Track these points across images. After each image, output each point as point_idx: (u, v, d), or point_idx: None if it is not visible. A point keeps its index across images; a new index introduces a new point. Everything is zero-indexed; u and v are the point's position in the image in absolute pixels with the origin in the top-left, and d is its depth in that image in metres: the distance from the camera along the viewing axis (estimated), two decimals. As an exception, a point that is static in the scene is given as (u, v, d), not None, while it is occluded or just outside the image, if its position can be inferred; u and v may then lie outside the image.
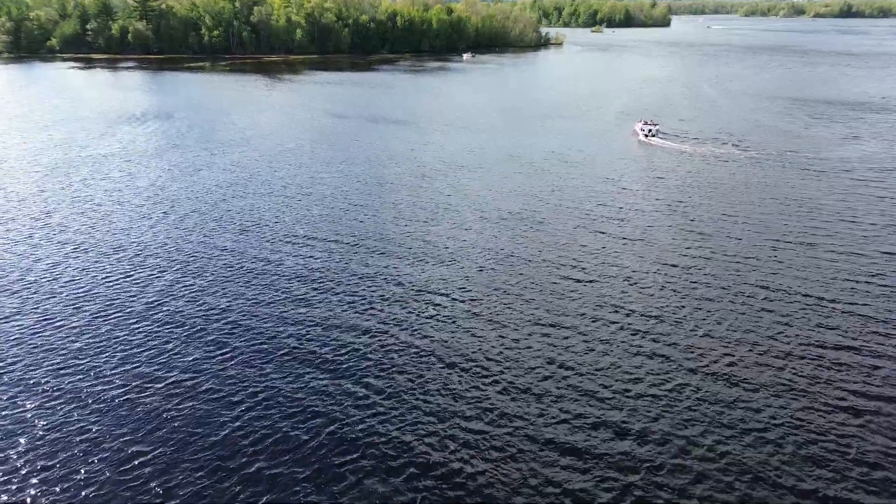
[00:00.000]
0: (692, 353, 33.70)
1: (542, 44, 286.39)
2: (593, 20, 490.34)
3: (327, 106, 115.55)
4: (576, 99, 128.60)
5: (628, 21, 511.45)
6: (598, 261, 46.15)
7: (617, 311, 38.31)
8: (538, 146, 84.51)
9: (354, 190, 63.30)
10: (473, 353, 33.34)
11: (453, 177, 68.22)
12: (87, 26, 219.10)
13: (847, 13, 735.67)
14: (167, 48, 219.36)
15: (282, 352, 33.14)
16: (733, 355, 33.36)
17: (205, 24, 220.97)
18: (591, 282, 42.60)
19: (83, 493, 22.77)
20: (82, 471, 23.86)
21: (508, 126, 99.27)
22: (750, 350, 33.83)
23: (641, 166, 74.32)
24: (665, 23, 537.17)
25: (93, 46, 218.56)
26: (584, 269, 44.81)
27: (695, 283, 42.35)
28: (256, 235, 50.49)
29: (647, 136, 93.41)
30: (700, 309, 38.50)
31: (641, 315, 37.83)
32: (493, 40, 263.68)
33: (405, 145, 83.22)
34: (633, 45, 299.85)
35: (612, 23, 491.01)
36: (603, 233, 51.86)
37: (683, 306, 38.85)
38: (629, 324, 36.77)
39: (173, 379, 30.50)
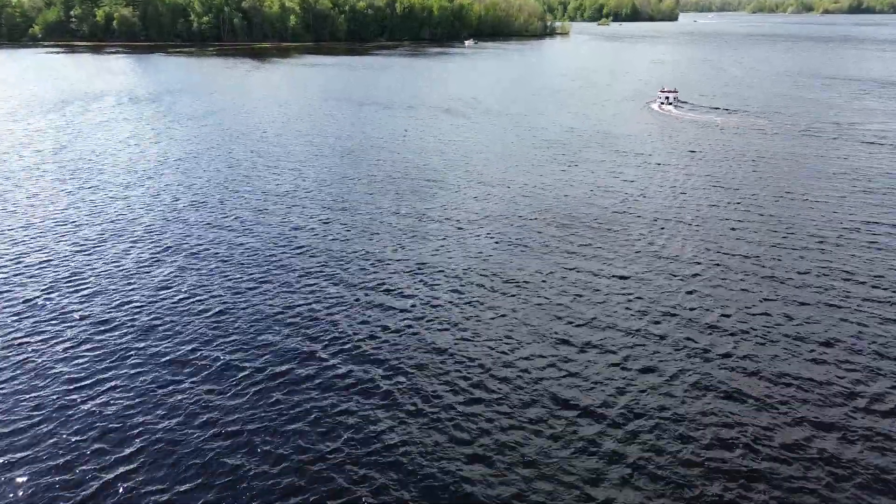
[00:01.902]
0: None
1: (547, 33, 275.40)
2: (599, 14, 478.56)
3: (316, 89, 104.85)
4: (588, 81, 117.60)
5: (635, 15, 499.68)
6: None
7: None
8: (552, 122, 73.75)
9: (365, 173, 52.52)
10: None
11: (465, 158, 57.53)
12: (71, 13, 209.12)
13: (857, 9, 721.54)
14: (154, 35, 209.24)
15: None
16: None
17: (194, 10, 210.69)
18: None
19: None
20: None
21: (519, 105, 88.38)
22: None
23: (663, 137, 63.23)
24: (673, 17, 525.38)
25: (76, 34, 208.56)
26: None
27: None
28: (246, 228, 39.71)
29: (665, 103, 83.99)
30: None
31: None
32: (496, 28, 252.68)
33: (408, 127, 72.44)
34: (643, 35, 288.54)
35: (618, 17, 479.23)
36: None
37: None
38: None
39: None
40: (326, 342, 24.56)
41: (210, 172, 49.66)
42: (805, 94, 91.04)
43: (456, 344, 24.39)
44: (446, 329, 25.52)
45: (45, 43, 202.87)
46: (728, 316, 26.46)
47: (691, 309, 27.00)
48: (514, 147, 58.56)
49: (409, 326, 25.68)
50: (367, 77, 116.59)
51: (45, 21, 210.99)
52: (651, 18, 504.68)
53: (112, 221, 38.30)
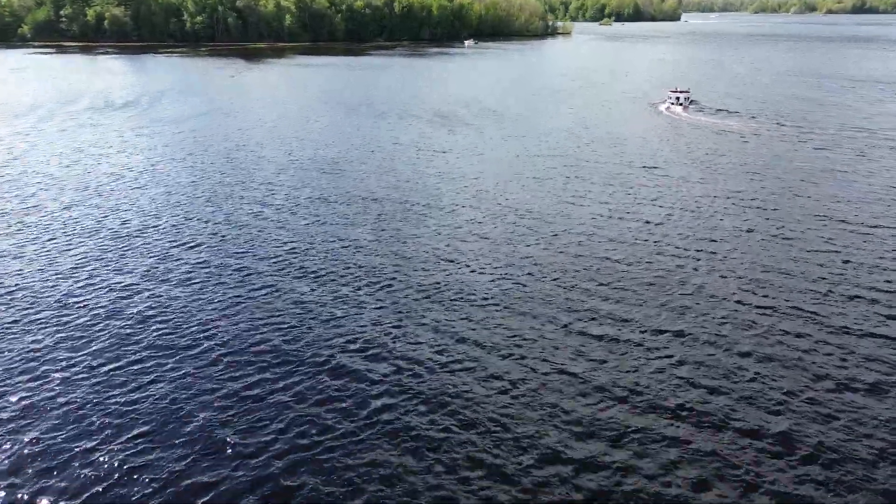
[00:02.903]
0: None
1: (548, 33, 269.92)
2: (601, 14, 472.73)
3: (305, 92, 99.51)
4: (592, 82, 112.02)
5: (637, 15, 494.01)
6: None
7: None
8: (556, 129, 68.29)
9: (368, 174, 47.20)
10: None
11: (460, 172, 52.17)
12: (61, 12, 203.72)
13: (860, 9, 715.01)
14: (146, 35, 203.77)
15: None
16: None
17: (187, 9, 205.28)
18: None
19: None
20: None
21: (520, 110, 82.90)
22: None
23: (679, 146, 57.71)
24: (675, 17, 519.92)
25: (66, 34, 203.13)
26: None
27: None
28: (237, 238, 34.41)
29: (675, 104, 79.09)
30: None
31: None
32: (497, 28, 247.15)
33: (400, 135, 67.12)
34: (646, 35, 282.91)
35: (620, 17, 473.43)
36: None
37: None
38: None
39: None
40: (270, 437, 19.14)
41: (167, 190, 44.26)
42: (826, 97, 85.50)
43: (440, 431, 18.96)
44: (426, 409, 20.08)
45: (35, 43, 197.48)
46: (806, 396, 21.02)
47: (747, 379, 21.55)
48: (514, 158, 53.10)
49: (382, 410, 20.16)
50: (362, 79, 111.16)
51: (35, 20, 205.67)
52: (653, 18, 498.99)
53: (72, 234, 32.93)
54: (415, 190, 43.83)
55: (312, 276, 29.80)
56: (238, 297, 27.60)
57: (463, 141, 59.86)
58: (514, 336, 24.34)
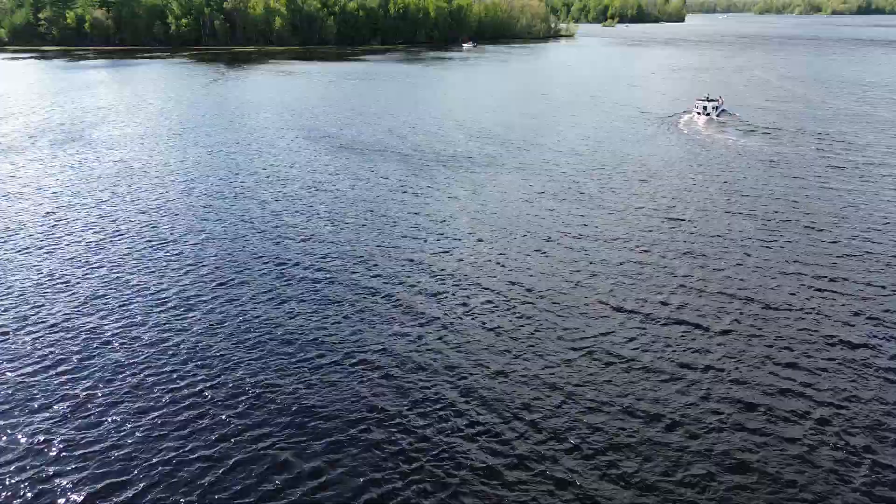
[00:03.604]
0: None
1: (551, 35, 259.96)
2: (604, 15, 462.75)
3: (274, 110, 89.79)
4: (604, 91, 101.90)
5: (641, 16, 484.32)
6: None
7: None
8: (567, 153, 58.30)
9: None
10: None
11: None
12: (40, 15, 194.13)
13: (866, 10, 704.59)
14: (130, 38, 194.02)
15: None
16: None
17: (172, 11, 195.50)
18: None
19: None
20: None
21: (524, 129, 72.91)
22: None
23: (718, 181, 47.65)
24: (679, 18, 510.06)
25: (46, 37, 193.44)
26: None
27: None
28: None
29: (702, 114, 70.29)
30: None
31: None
32: (497, 31, 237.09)
33: (379, 174, 57.35)
34: (653, 37, 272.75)
35: (624, 18, 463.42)
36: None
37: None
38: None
39: None
40: None
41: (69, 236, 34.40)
42: (877, 113, 75.15)
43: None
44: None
45: (11, 48, 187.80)
46: None
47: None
48: (517, 197, 43.14)
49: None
50: (345, 90, 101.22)
51: (12, 24, 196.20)
52: (657, 20, 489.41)
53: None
54: (390, 269, 33.87)
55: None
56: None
57: (454, 182, 49.84)
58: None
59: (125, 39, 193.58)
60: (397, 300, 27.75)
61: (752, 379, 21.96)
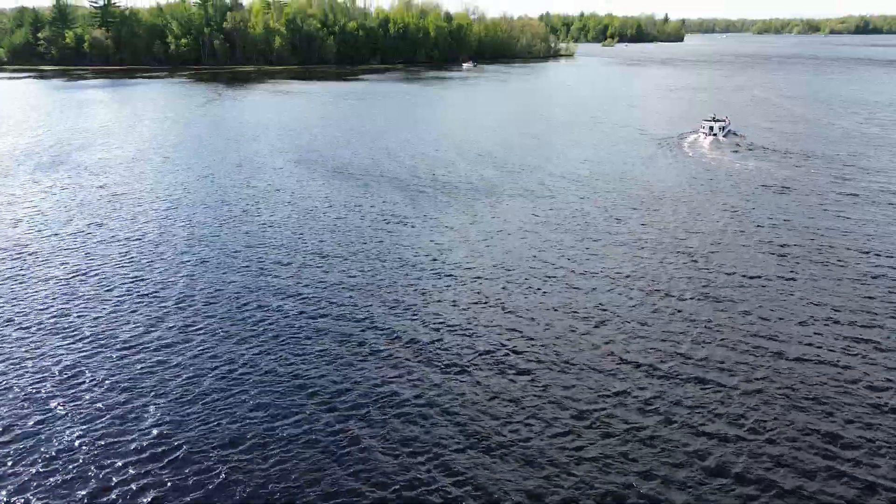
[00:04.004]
0: None
1: (551, 55, 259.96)
2: (603, 35, 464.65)
3: (266, 132, 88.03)
4: (605, 111, 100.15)
5: (640, 36, 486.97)
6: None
7: None
8: (570, 179, 56.14)
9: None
10: None
11: (454, 244, 40.05)
12: (39, 34, 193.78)
13: (864, 29, 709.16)
14: (129, 58, 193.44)
15: None
16: None
17: (172, 31, 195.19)
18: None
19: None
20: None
21: (525, 151, 70.95)
22: None
23: (710, 182, 45.36)
24: (679, 37, 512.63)
25: (45, 57, 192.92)
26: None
27: None
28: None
29: (708, 134, 68.88)
30: None
31: None
32: (497, 50, 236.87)
33: (369, 203, 55.26)
34: (653, 56, 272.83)
35: (623, 37, 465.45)
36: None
37: None
38: None
39: None
40: None
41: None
42: (889, 135, 73.14)
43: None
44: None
45: (9, 67, 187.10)
46: None
47: None
48: (518, 228, 40.83)
49: None
50: (342, 111, 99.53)
51: (12, 44, 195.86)
52: (656, 39, 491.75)
53: None
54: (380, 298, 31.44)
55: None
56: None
57: (451, 210, 47.57)
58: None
59: (124, 59, 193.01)
60: (384, 349, 25.29)
61: (789, 457, 19.37)
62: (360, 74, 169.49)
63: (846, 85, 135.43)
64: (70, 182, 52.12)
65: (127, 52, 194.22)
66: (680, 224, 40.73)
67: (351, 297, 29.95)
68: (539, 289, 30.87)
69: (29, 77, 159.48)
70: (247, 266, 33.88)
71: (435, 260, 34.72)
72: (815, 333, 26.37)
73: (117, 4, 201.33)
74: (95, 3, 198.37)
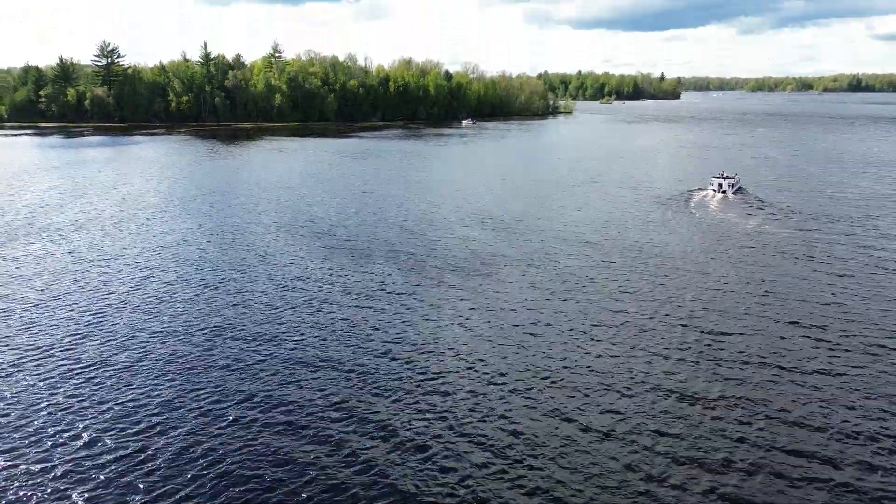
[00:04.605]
0: None
1: (550, 112, 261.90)
2: (601, 93, 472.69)
3: (252, 195, 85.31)
4: (609, 170, 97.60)
5: (637, 94, 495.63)
6: None
7: None
8: (577, 226, 52.44)
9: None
10: None
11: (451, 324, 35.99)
12: (41, 92, 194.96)
13: (857, 87, 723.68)
14: (129, 115, 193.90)
15: None
16: None
17: (173, 89, 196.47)
18: None
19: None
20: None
21: (527, 215, 67.70)
22: None
23: (725, 247, 41.41)
24: (675, 95, 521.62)
25: (45, 114, 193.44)
26: None
27: None
28: None
29: (717, 191, 66.34)
30: None
31: None
32: (496, 108, 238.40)
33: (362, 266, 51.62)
34: (652, 114, 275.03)
35: (620, 95, 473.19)
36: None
37: None
38: None
39: None
40: None
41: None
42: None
43: None
44: None
45: (10, 125, 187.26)
46: None
47: None
48: (520, 302, 36.78)
49: None
50: (338, 169, 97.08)
51: (13, 101, 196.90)
52: (653, 96, 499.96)
53: None
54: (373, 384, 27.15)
55: None
56: None
57: (446, 281, 43.71)
58: None
59: (125, 116, 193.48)
60: (371, 456, 20.86)
61: None
62: (360, 132, 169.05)
63: (855, 143, 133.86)
64: (35, 247, 48.44)
65: (128, 110, 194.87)
66: (692, 297, 36.70)
67: (327, 386, 25.64)
68: (545, 377, 26.58)
69: (27, 134, 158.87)
70: (212, 343, 29.67)
71: (427, 339, 30.55)
72: (843, 422, 21.98)
73: (121, 63, 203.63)
74: (99, 61, 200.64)
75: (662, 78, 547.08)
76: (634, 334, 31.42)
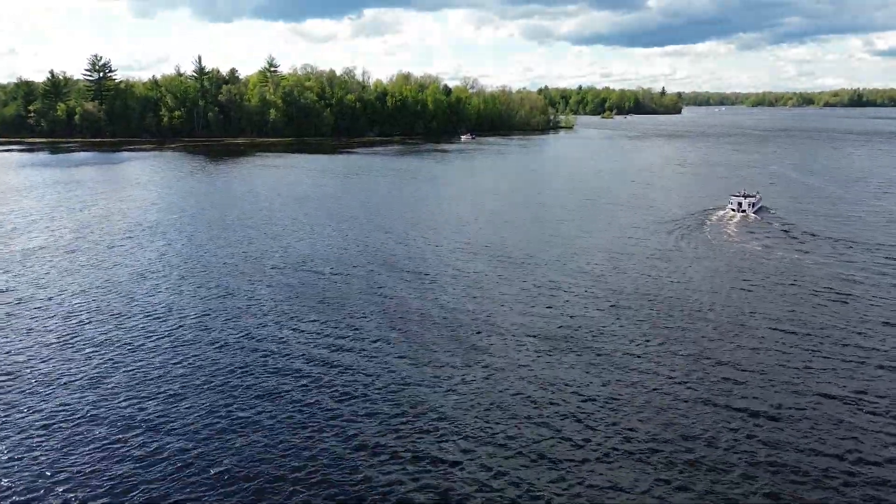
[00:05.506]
0: None
1: (550, 127, 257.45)
2: (601, 108, 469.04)
3: (226, 220, 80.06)
4: (613, 188, 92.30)
5: (638, 109, 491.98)
6: None
7: None
8: (587, 253, 46.89)
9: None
10: None
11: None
12: (30, 107, 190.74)
13: (857, 102, 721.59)
14: (121, 130, 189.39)
15: None
16: None
17: (165, 104, 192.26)
18: None
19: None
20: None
21: (529, 241, 62.25)
22: None
23: (750, 275, 35.83)
24: (676, 110, 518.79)
25: (35, 129, 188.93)
26: None
27: None
28: None
29: (736, 210, 61.43)
30: None
31: None
32: (495, 123, 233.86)
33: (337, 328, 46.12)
34: (653, 129, 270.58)
35: (621, 110, 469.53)
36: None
37: None
38: None
39: None
40: None
41: None
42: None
43: None
44: None
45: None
46: None
47: None
48: (529, 343, 31.20)
49: None
50: (331, 188, 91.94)
51: (2, 116, 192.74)
52: (654, 111, 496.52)
53: None
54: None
55: None
56: None
57: (443, 329, 38.18)
58: None
59: (116, 131, 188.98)
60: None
61: None
62: (356, 147, 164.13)
63: (869, 160, 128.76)
64: (-23, 280, 42.99)
65: (119, 125, 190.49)
66: (719, 336, 31.20)
67: (309, 445, 20.04)
68: (555, 431, 20.97)
69: (14, 150, 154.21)
70: (181, 387, 24.10)
71: (425, 392, 24.98)
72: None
73: (113, 77, 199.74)
74: (90, 76, 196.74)
75: (663, 93, 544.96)
76: (655, 386, 25.80)
